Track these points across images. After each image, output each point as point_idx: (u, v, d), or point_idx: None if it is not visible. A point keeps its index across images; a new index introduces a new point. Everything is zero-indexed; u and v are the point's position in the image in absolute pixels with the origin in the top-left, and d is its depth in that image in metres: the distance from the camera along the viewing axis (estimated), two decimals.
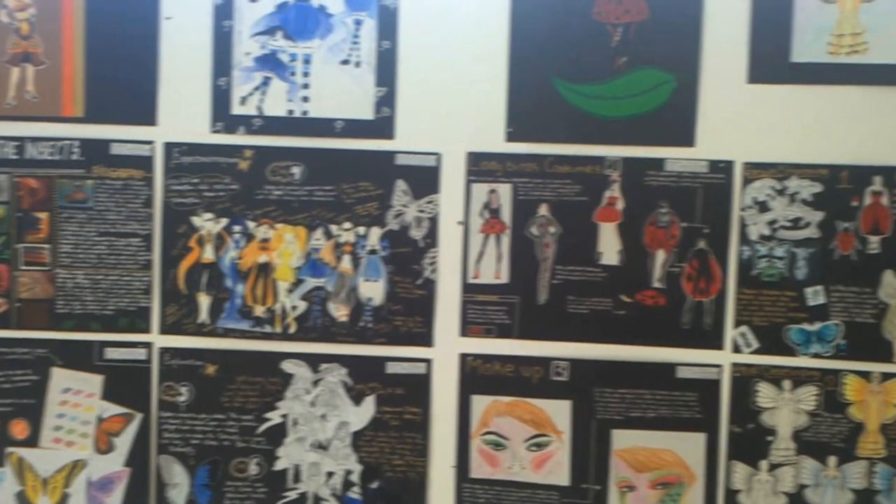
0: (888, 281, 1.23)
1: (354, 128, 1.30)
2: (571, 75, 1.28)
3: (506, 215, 1.30)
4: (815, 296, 1.25)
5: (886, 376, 1.25)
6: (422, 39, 1.29)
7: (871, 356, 1.25)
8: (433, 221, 1.30)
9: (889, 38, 1.23)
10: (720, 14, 1.26)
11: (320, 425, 1.32)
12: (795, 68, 1.25)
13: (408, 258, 1.30)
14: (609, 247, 1.29)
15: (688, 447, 1.28)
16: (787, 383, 1.27)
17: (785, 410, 1.27)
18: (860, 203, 1.24)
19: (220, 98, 1.30)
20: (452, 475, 1.32)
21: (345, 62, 1.30)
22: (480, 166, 1.30)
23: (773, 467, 1.28)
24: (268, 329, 1.31)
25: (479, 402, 1.31)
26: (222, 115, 1.30)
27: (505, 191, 1.29)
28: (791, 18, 1.25)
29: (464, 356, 1.31)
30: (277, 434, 1.32)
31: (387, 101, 1.30)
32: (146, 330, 1.31)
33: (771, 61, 1.26)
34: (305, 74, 1.30)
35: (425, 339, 1.30)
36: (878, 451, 1.26)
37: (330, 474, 1.32)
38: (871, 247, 1.24)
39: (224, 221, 1.30)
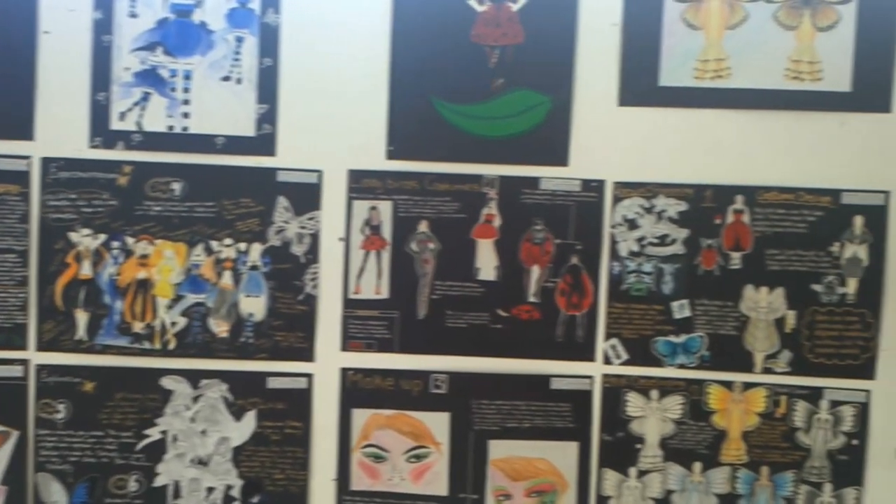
0: (749, 295, 1.35)
1: (235, 144, 1.36)
2: (451, 95, 1.36)
3: (386, 232, 1.37)
4: (680, 309, 1.36)
5: (747, 386, 1.37)
6: (303, 57, 1.36)
7: (733, 366, 1.37)
8: (314, 238, 1.37)
9: (751, 65, 1.34)
10: (592, 39, 1.35)
11: (200, 441, 1.37)
12: (663, 92, 1.35)
13: (289, 274, 1.37)
14: (486, 263, 1.37)
15: (561, 456, 1.38)
16: (654, 393, 1.37)
17: (652, 419, 1.37)
18: (723, 221, 1.35)
19: (99, 113, 1.34)
20: (333, 488, 1.39)
21: (226, 79, 1.36)
22: (361, 184, 1.37)
23: (642, 474, 1.38)
24: (147, 345, 1.36)
25: (360, 416, 1.38)
26: (101, 130, 1.35)
27: (385, 208, 1.37)
28: (659, 44, 1.35)
29: (344, 370, 1.38)
30: (157, 450, 1.37)
31: (268, 117, 1.36)
32: (22, 347, 1.35)
33: (640, 85, 1.35)
34: (186, 90, 1.35)
35: (306, 354, 1.37)
36: (739, 457, 1.37)
37: (210, 490, 1.38)
38: (732, 262, 1.35)
39: (102, 237, 1.35)
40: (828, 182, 1.34)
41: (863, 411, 1.35)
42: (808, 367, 1.35)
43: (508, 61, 1.35)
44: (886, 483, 1.35)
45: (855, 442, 1.35)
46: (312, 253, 1.36)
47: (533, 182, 1.36)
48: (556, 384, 1.37)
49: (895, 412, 1.36)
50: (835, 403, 1.36)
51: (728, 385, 1.36)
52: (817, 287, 1.34)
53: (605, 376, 1.37)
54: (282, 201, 1.36)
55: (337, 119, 1.36)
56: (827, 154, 1.34)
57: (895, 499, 1.36)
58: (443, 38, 1.36)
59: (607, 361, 1.37)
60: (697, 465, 1.37)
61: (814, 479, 1.37)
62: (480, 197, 1.36)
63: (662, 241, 1.35)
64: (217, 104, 1.35)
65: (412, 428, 1.37)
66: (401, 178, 1.36)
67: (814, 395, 1.36)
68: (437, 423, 1.38)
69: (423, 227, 1.36)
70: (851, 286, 1.34)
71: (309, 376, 1.37)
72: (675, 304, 1.36)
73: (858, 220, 1.33)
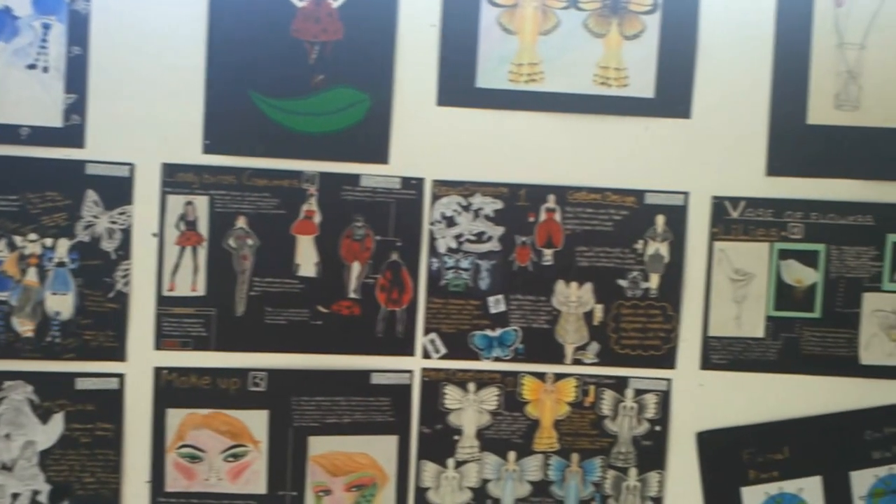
0: (560, 290, 1.50)
1: (41, 135, 1.39)
2: (270, 90, 1.45)
3: (202, 227, 1.44)
4: (496, 304, 1.50)
5: (558, 377, 1.52)
6: (115, 47, 1.41)
7: (545, 359, 1.52)
8: (126, 233, 1.42)
9: (562, 70, 1.49)
10: (411, 39, 1.46)
11: (4, 445, 1.40)
12: (480, 93, 1.48)
13: (99, 271, 1.42)
14: (306, 259, 1.46)
15: (381, 449, 1.50)
16: (471, 385, 1.50)
17: (470, 411, 1.50)
18: (536, 219, 1.50)
19: None
20: (147, 490, 1.45)
21: (31, 66, 1.39)
22: (176, 178, 1.43)
23: (459, 464, 1.51)
24: None
25: (175, 416, 1.45)
26: None
27: (202, 203, 1.44)
28: (476, 46, 1.48)
29: (158, 370, 1.44)
30: None
31: (77, 108, 1.40)
32: None
33: (458, 86, 1.48)
34: None
35: (117, 354, 1.42)
36: (552, 445, 1.53)
37: (15, 496, 1.41)
38: (545, 259, 1.50)
39: None
40: (632, 183, 1.50)
41: (664, 399, 1.53)
42: (615, 357, 1.52)
43: (328, 57, 1.45)
44: (686, 466, 1.54)
45: (658, 428, 1.53)
46: (124, 249, 1.42)
47: (353, 179, 1.46)
48: (376, 379, 1.48)
49: (694, 399, 1.52)
50: (639, 392, 1.53)
51: (541, 376, 1.51)
52: (623, 282, 1.51)
53: (425, 370, 1.50)
54: (91, 195, 1.40)
55: (150, 111, 1.41)
56: (632, 157, 1.50)
57: (693, 481, 1.53)
58: (262, 32, 1.44)
59: (426, 356, 1.49)
60: (512, 454, 1.52)
61: (620, 464, 1.54)
62: (300, 193, 1.45)
63: (479, 238, 1.49)
64: (22, 93, 1.39)
65: (230, 427, 1.45)
66: (217, 173, 1.43)
67: (620, 384, 1.52)
68: (256, 421, 1.46)
69: (241, 222, 1.44)
70: (654, 281, 1.51)
71: (120, 376, 1.43)
72: (491, 299, 1.49)
73: (660, 219, 1.50)
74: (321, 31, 1.45)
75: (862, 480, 1.54)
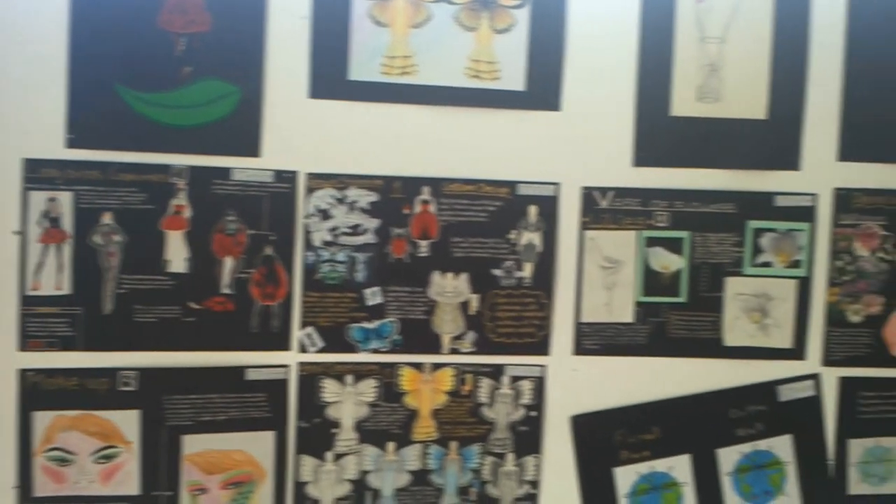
0: (436, 281, 1.58)
1: None
2: (136, 83, 1.48)
3: (67, 224, 1.46)
4: (373, 296, 1.57)
5: (436, 366, 1.60)
6: None
7: (422, 349, 1.60)
8: None
9: (435, 62, 1.57)
10: (281, 31, 1.52)
11: None
12: (353, 86, 1.55)
13: None
14: (176, 255, 1.50)
15: (258, 446, 1.55)
16: (349, 378, 1.57)
17: (348, 403, 1.57)
18: (411, 211, 1.57)
19: None
20: (14, 496, 1.47)
21: None
22: (39, 173, 1.45)
23: (338, 457, 1.58)
24: None
25: (42, 419, 1.47)
26: None
27: (66, 199, 1.46)
28: (348, 39, 1.54)
29: (23, 372, 1.46)
30: None
31: None
32: None
33: (330, 78, 1.54)
34: None
35: None
36: (430, 434, 1.61)
37: None
38: (421, 250, 1.58)
39: None
40: (505, 174, 1.60)
41: (539, 385, 1.63)
42: (491, 346, 1.62)
43: (196, 49, 1.49)
44: (560, 450, 1.65)
45: (533, 413, 1.64)
46: None
47: (224, 173, 1.51)
48: (251, 375, 1.54)
49: (567, 384, 1.64)
50: (515, 379, 1.63)
51: (418, 367, 1.60)
52: (497, 272, 1.60)
53: (302, 364, 1.56)
54: None
55: (9, 105, 1.43)
56: (504, 149, 1.59)
57: (568, 463, 1.65)
58: (127, 23, 1.47)
59: (303, 350, 1.55)
60: (391, 445, 1.60)
61: (498, 450, 1.63)
62: (169, 188, 1.49)
63: (355, 230, 1.56)
64: None
65: (100, 428, 1.48)
66: (82, 168, 1.46)
67: (496, 371, 1.62)
68: (127, 422, 1.50)
69: (108, 218, 1.47)
70: (528, 270, 1.61)
71: None
72: (367, 292, 1.57)
73: (533, 210, 1.60)
74: (188, 23, 1.49)
75: (728, 457, 1.68)
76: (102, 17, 1.47)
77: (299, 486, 1.58)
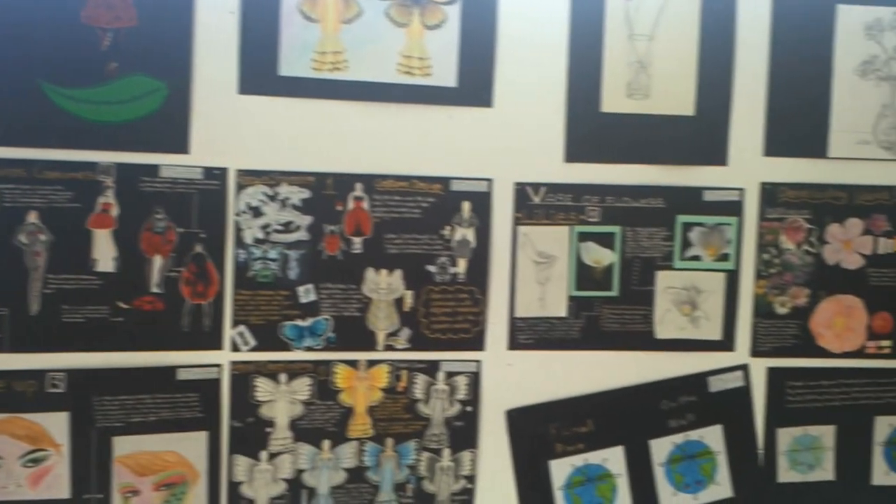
0: (370, 277, 1.62)
1: None
2: (61, 79, 1.48)
3: None
4: (306, 294, 1.60)
5: (371, 363, 1.63)
6: None
7: (357, 346, 1.63)
8: None
9: (366, 58, 1.60)
10: (210, 26, 1.54)
11: None
12: (283, 81, 1.57)
13: None
14: (104, 254, 1.51)
15: (190, 446, 1.57)
16: (283, 376, 1.60)
17: (282, 402, 1.60)
18: (344, 208, 1.60)
19: None
20: None
21: None
22: None
23: (273, 456, 1.61)
24: None
25: None
26: None
27: None
28: (278, 34, 1.56)
29: None
30: None
31: None
32: None
33: (260, 74, 1.56)
34: None
35: None
36: (366, 431, 1.64)
37: None
38: (354, 247, 1.61)
39: None
40: (438, 171, 1.64)
41: (475, 380, 1.68)
42: (426, 342, 1.66)
43: (122, 45, 1.51)
44: (497, 444, 1.69)
45: (469, 409, 1.68)
46: None
47: (152, 170, 1.52)
48: (183, 375, 1.56)
49: (503, 379, 1.68)
50: (450, 374, 1.67)
51: (353, 364, 1.63)
52: (431, 268, 1.64)
53: (234, 363, 1.58)
54: None
55: None
56: (437, 145, 1.63)
57: (504, 457, 1.69)
58: (51, 18, 1.47)
59: (235, 349, 1.58)
60: (326, 443, 1.63)
61: (434, 446, 1.68)
62: (96, 185, 1.50)
63: (287, 227, 1.58)
64: None
65: (27, 431, 1.49)
66: (6, 166, 1.47)
67: (431, 367, 1.66)
68: (56, 424, 1.51)
69: (33, 217, 1.48)
70: (462, 266, 1.66)
71: None
72: (300, 289, 1.59)
73: (466, 206, 1.65)
74: (114, 18, 1.50)
75: (660, 448, 1.75)
76: (25, 12, 1.46)
77: (233, 486, 1.60)
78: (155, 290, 1.54)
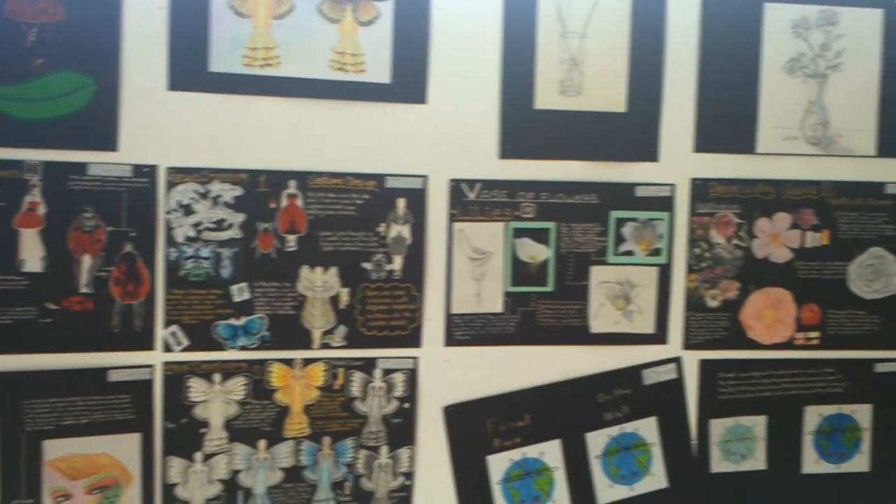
0: (305, 275, 1.64)
1: None
2: None
3: None
4: (240, 292, 1.61)
5: (307, 362, 1.66)
6: None
7: (292, 344, 1.65)
8: None
9: (299, 54, 1.62)
10: (139, 20, 1.55)
11: None
12: (214, 78, 1.59)
13: None
14: (32, 254, 1.51)
15: (123, 448, 1.58)
16: (217, 376, 1.62)
17: (216, 402, 1.62)
18: (277, 205, 1.62)
19: None
20: None
21: None
22: None
23: (208, 457, 1.62)
24: None
25: None
26: None
27: None
28: (208, 29, 1.58)
29: None
30: None
31: None
32: None
33: (190, 70, 1.58)
34: None
35: None
36: (302, 430, 1.67)
37: None
38: (288, 245, 1.64)
39: None
40: (373, 167, 1.67)
41: (412, 377, 1.72)
42: (362, 339, 1.69)
43: (48, 40, 1.51)
44: (434, 440, 1.73)
45: (406, 405, 1.72)
46: None
47: (80, 168, 1.53)
48: (114, 376, 1.57)
49: (440, 375, 1.72)
50: (387, 371, 1.71)
51: (289, 363, 1.65)
52: (367, 265, 1.68)
53: (166, 364, 1.59)
54: None
55: None
56: (371, 142, 1.67)
57: (442, 453, 1.73)
58: None
59: (168, 349, 1.59)
60: (262, 443, 1.65)
61: (372, 444, 1.71)
62: (22, 184, 1.51)
63: (219, 225, 1.60)
64: None
65: None
66: None
67: (368, 365, 1.70)
68: None
69: None
70: (397, 263, 1.69)
71: None
72: (234, 288, 1.61)
73: (401, 203, 1.68)
74: (39, 13, 1.50)
75: (597, 441, 1.81)
76: None
77: (168, 488, 1.62)
78: (84, 290, 1.54)
